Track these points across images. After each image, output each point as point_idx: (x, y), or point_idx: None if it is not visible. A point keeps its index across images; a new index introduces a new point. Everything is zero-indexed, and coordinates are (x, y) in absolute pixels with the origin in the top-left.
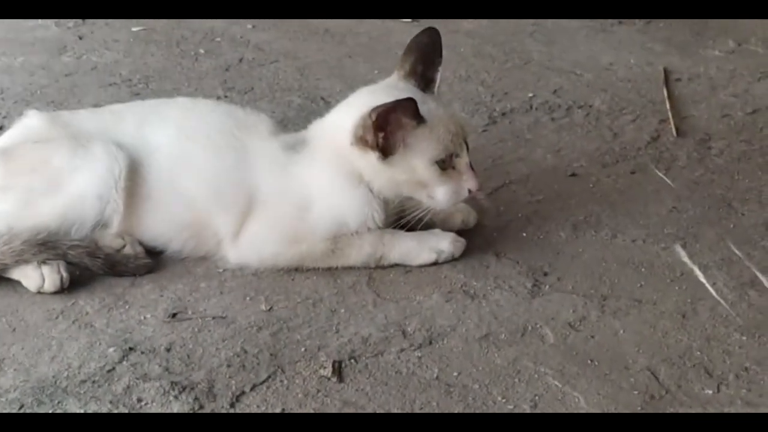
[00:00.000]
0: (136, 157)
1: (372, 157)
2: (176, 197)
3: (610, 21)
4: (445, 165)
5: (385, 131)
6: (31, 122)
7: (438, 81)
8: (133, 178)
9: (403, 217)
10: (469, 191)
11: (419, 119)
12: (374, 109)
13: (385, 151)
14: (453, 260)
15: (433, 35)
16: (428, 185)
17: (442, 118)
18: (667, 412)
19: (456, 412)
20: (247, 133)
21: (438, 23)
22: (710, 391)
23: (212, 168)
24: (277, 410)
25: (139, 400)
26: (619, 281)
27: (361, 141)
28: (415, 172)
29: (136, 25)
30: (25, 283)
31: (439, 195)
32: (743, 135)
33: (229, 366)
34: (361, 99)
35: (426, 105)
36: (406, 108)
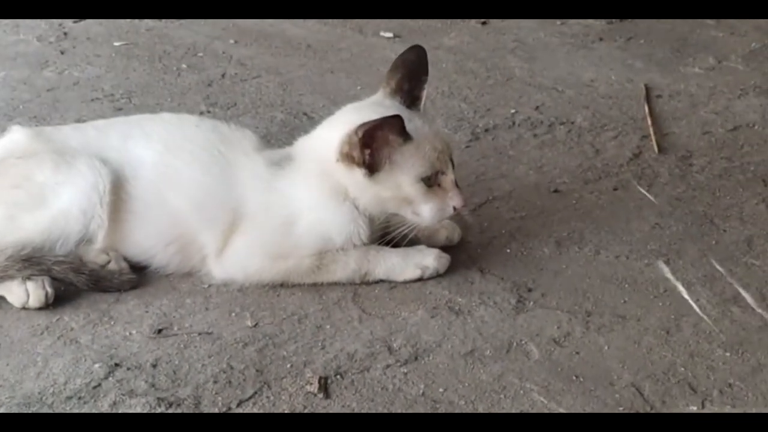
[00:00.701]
0: (120, 173)
1: (358, 173)
2: (161, 213)
3: (591, 37)
4: (430, 182)
5: (371, 148)
6: (14, 137)
7: (424, 98)
8: (118, 193)
9: (388, 234)
10: (454, 208)
11: (406, 136)
12: (361, 126)
13: (371, 167)
14: (438, 276)
15: (419, 53)
16: (414, 202)
17: (428, 136)
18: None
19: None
20: (232, 148)
21: (420, 39)
22: (694, 407)
23: (197, 183)
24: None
25: None
26: (603, 297)
27: (347, 158)
28: (400, 189)
29: (118, 40)
30: (9, 298)
31: (425, 212)
32: (724, 152)
33: (215, 382)
34: (348, 116)
35: (412, 122)
36: (393, 125)
